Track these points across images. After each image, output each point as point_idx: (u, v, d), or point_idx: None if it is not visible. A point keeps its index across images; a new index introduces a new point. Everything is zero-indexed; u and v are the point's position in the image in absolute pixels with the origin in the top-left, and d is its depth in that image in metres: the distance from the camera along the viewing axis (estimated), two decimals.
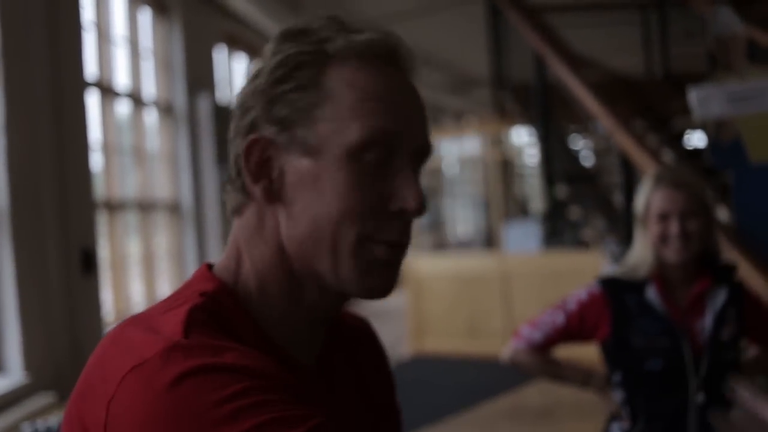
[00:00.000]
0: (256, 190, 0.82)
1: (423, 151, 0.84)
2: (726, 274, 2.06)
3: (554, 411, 5.44)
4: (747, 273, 3.01)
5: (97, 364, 0.75)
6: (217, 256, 6.33)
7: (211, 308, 0.78)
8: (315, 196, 0.79)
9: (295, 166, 0.80)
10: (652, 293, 2.01)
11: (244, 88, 0.85)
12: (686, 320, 2.00)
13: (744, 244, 3.21)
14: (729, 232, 3.29)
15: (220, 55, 7.02)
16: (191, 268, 6.12)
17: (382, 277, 0.82)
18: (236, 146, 0.84)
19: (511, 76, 6.48)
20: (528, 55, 5.70)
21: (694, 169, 5.09)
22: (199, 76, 6.32)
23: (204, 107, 6.16)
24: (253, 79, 0.84)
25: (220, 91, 6.81)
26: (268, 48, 0.85)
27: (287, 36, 0.84)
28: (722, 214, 4.28)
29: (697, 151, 5.47)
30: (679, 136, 5.84)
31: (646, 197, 2.03)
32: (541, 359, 2.16)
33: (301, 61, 0.81)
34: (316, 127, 0.79)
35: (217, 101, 6.30)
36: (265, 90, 0.82)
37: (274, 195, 0.82)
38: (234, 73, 7.65)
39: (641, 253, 2.04)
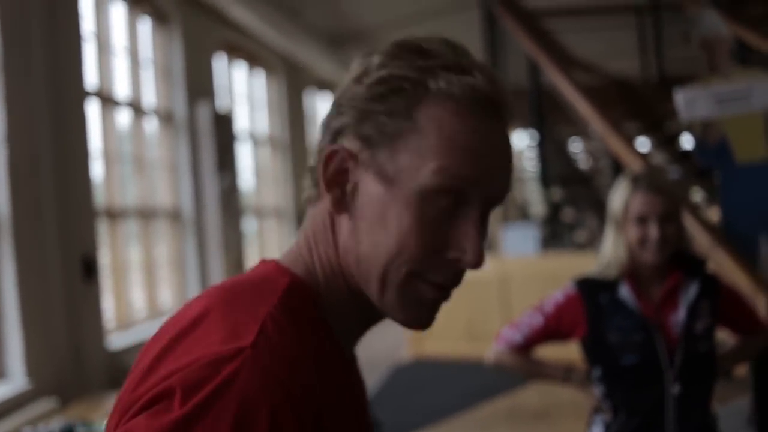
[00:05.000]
0: (327, 198, 0.82)
1: (497, 200, 0.83)
2: (697, 267, 2.11)
3: (551, 412, 5.47)
4: (733, 272, 3.04)
5: None
6: (217, 263, 6.40)
7: (288, 304, 0.79)
8: (380, 223, 0.79)
9: (369, 187, 0.80)
10: (624, 291, 2.07)
11: (345, 88, 0.84)
12: (659, 315, 2.06)
13: (731, 244, 3.25)
14: (716, 231, 3.32)
15: (219, 63, 7.09)
16: (192, 276, 6.18)
17: (423, 313, 0.83)
18: (322, 145, 0.85)
19: (507, 82, 6.54)
20: (523, 61, 5.76)
21: (687, 170, 5.15)
22: (199, 85, 6.39)
23: (204, 115, 6.22)
24: (355, 81, 0.83)
25: (220, 99, 6.88)
26: (378, 56, 0.83)
27: (398, 52, 0.82)
28: (714, 214, 4.32)
29: (690, 153, 5.52)
30: (674, 138, 5.89)
31: (624, 199, 2.08)
32: (523, 359, 2.21)
33: (401, 87, 0.79)
34: (397, 156, 0.78)
35: (217, 109, 6.37)
36: (359, 102, 0.81)
37: (344, 206, 0.82)
38: (234, 81, 7.71)
39: (613, 251, 2.09)
